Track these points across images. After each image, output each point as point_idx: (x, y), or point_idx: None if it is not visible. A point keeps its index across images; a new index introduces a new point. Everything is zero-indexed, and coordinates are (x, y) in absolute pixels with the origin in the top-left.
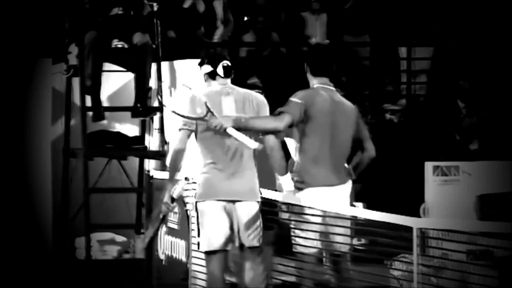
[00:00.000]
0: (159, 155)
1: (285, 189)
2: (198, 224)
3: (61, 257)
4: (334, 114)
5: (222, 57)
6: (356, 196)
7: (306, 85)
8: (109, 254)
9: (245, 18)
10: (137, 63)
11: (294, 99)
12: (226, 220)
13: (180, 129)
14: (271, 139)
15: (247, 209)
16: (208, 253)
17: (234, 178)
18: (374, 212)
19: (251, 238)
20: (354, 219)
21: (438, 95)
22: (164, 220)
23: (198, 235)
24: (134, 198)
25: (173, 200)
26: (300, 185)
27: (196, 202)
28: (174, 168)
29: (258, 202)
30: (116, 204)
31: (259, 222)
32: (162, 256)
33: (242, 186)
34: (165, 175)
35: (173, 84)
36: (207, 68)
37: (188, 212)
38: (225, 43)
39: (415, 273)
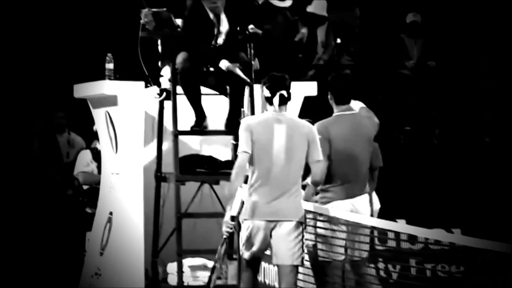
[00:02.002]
0: None
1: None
2: (242, 236)
3: (154, 282)
4: (352, 137)
5: (281, 86)
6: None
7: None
8: (201, 280)
9: (338, 41)
10: (229, 87)
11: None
12: (266, 238)
13: (239, 153)
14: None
15: (285, 229)
16: (248, 262)
17: (276, 200)
18: (470, 238)
19: (286, 257)
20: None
21: None
22: (227, 241)
23: (241, 245)
24: None
25: (233, 218)
26: (324, 200)
27: (243, 219)
28: (233, 189)
29: (298, 222)
30: (208, 229)
31: (296, 241)
32: None
33: (282, 207)
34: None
35: (264, 106)
36: (266, 93)
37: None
38: (321, 67)
39: None
